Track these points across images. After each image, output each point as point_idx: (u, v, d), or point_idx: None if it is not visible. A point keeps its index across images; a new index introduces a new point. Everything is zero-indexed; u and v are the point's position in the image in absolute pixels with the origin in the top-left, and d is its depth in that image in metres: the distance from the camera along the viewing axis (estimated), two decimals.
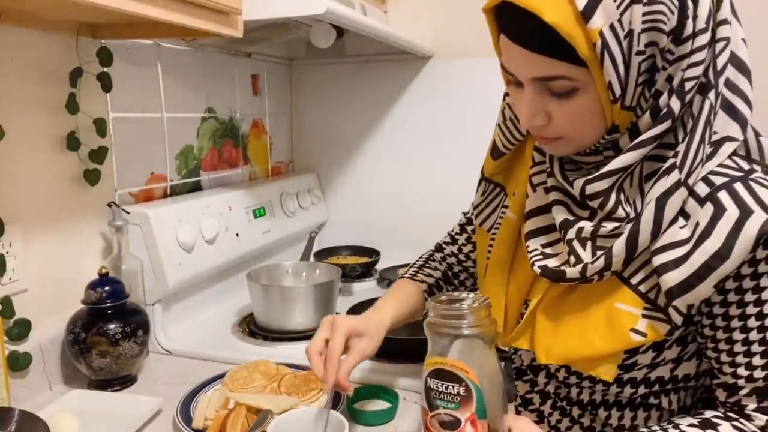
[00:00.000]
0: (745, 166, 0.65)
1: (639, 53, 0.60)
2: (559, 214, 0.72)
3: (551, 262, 0.72)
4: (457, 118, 1.74)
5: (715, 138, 0.65)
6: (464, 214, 1.02)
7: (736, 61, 0.65)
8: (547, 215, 0.75)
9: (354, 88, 1.84)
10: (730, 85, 0.66)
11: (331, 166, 1.91)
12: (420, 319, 0.98)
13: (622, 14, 0.58)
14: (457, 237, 1.03)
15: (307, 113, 1.91)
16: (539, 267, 0.72)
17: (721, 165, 0.65)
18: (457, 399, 0.66)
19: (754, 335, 0.64)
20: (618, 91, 0.62)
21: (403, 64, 1.76)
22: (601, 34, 0.58)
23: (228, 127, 1.57)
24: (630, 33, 0.59)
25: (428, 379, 0.68)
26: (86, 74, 1.06)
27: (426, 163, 1.80)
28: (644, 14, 0.58)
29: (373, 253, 1.75)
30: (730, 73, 0.65)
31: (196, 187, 1.45)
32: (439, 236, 1.08)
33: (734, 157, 0.66)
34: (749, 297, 0.63)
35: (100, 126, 1.10)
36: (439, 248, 1.05)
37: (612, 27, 0.58)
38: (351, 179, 1.90)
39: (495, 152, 0.85)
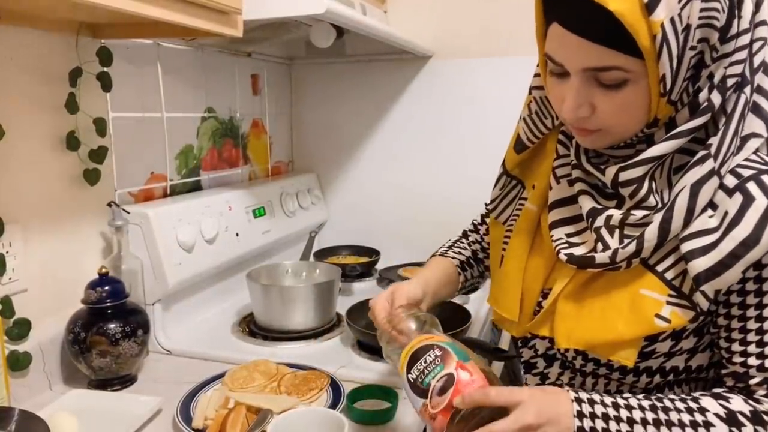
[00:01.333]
0: None
1: (692, 48, 0.62)
2: (586, 203, 0.73)
3: (577, 250, 0.73)
4: (457, 118, 1.74)
5: (742, 134, 0.67)
6: (486, 204, 1.04)
7: (765, 67, 0.67)
8: (571, 206, 0.76)
9: (354, 88, 1.84)
10: (757, 87, 0.67)
11: (331, 166, 1.91)
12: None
13: (682, 8, 0.59)
14: (479, 226, 1.05)
15: (307, 113, 1.91)
16: (565, 254, 0.73)
17: (747, 159, 0.66)
18: (438, 360, 0.68)
19: (767, 325, 0.65)
20: (669, 85, 0.63)
21: (403, 64, 1.76)
22: (662, 26, 0.59)
23: (228, 127, 1.58)
24: (687, 28, 0.60)
25: (408, 375, 0.70)
26: (86, 74, 1.06)
27: (426, 163, 1.80)
28: (701, 10, 0.60)
29: (373, 253, 1.75)
30: (760, 76, 0.67)
31: (196, 187, 1.45)
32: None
33: (759, 153, 0.68)
34: (767, 287, 0.65)
35: (100, 126, 1.10)
36: (465, 235, 1.07)
37: (672, 20, 0.59)
38: (351, 179, 1.90)
39: (518, 145, 0.85)
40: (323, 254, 1.76)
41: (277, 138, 1.84)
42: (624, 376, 0.74)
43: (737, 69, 0.63)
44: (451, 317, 1.24)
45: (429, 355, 0.68)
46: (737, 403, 0.66)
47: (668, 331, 0.69)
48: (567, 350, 0.76)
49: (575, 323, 0.73)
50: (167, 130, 1.33)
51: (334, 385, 0.99)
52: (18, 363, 0.95)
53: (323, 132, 1.90)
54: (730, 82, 0.64)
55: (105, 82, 1.10)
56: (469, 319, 1.21)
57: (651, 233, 0.66)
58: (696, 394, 0.68)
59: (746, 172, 0.65)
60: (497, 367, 1.33)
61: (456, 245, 1.06)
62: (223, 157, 1.56)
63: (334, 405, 0.93)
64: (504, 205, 0.90)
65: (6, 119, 0.93)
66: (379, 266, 1.72)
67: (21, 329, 0.96)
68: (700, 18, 0.60)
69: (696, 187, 0.65)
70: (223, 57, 1.55)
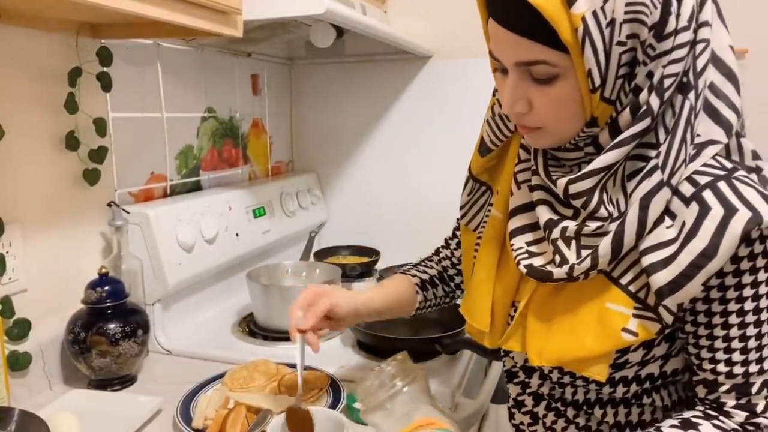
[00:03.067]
0: (728, 164, 0.65)
1: (620, 44, 0.61)
2: (543, 214, 0.72)
3: (537, 261, 0.72)
4: (457, 118, 1.74)
5: (698, 140, 0.66)
6: (458, 219, 1.03)
7: (724, 70, 0.66)
8: (531, 213, 0.75)
9: (354, 88, 1.84)
10: (715, 90, 0.66)
11: (331, 166, 1.91)
12: (410, 316, 1.00)
13: (605, 2, 0.59)
14: (449, 242, 1.04)
15: (307, 113, 1.91)
16: (525, 266, 0.72)
17: (704, 165, 0.65)
18: None
19: (734, 332, 0.65)
20: (597, 81, 0.62)
21: (402, 64, 1.76)
22: (583, 19, 0.58)
23: (228, 127, 1.58)
24: (612, 22, 0.59)
25: None
26: (86, 74, 1.06)
27: (426, 163, 1.80)
28: (627, 5, 0.59)
29: (373, 253, 1.75)
30: (717, 79, 0.66)
31: (196, 187, 1.45)
32: (438, 236, 1.08)
33: (717, 157, 0.66)
34: (731, 294, 0.64)
35: (100, 126, 1.10)
36: (436, 252, 1.06)
37: (594, 14, 0.59)
38: (351, 179, 1.90)
39: (482, 148, 0.85)
40: (323, 254, 1.76)
41: (277, 138, 1.84)
42: (600, 387, 0.73)
43: (676, 68, 0.62)
44: (451, 318, 1.24)
45: None
46: (707, 430, 0.65)
47: (637, 343, 0.68)
48: (542, 365, 0.75)
49: (545, 340, 0.72)
50: (167, 130, 1.33)
51: (334, 385, 0.99)
52: (18, 363, 0.95)
53: (323, 132, 1.90)
54: (668, 82, 0.62)
55: (105, 82, 1.10)
56: None
57: (604, 248, 0.65)
58: (666, 429, 0.66)
59: (702, 180, 0.64)
60: (497, 367, 1.33)
61: (423, 263, 1.04)
62: (223, 157, 1.56)
63: (334, 405, 0.93)
64: (474, 211, 0.88)
65: (6, 119, 0.93)
66: (379, 266, 1.72)
67: (21, 329, 0.96)
68: (626, 12, 0.59)
69: (645, 200, 0.63)
70: (223, 57, 1.55)
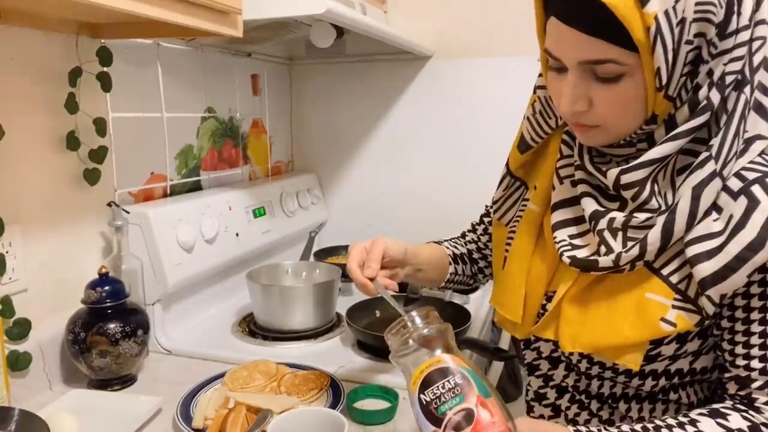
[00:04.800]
0: None
1: (688, 42, 0.61)
2: (588, 206, 0.72)
3: (581, 253, 0.73)
4: (457, 118, 1.74)
5: (746, 136, 0.66)
6: (487, 206, 1.04)
7: (766, 64, 0.67)
8: (574, 207, 0.76)
9: (354, 88, 1.84)
10: (761, 87, 0.67)
11: (331, 166, 1.91)
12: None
13: (677, 1, 0.60)
14: (476, 227, 1.05)
15: (307, 113, 1.91)
16: (569, 257, 0.73)
17: (751, 162, 0.66)
18: (458, 390, 0.64)
19: None
20: (664, 79, 0.62)
21: (403, 64, 1.77)
22: (656, 18, 0.59)
23: (228, 127, 1.58)
24: (682, 21, 0.60)
25: (421, 396, 0.65)
26: (86, 74, 1.06)
27: (425, 163, 1.80)
28: (696, 4, 0.60)
29: None
30: (762, 74, 0.67)
31: (196, 187, 1.45)
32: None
33: (764, 155, 0.67)
34: None
35: (100, 126, 1.10)
36: (462, 235, 1.08)
37: (666, 13, 0.59)
38: (351, 179, 1.90)
39: (522, 145, 0.85)
40: (323, 254, 1.76)
41: (277, 138, 1.84)
42: (629, 380, 0.74)
43: (736, 66, 0.63)
44: (451, 317, 1.24)
45: (448, 381, 0.64)
46: (735, 420, 0.65)
47: (673, 335, 0.69)
48: (572, 353, 0.76)
49: (581, 327, 0.73)
50: (167, 130, 1.33)
51: (334, 385, 0.99)
52: (18, 363, 0.95)
53: (323, 132, 1.90)
54: (729, 79, 0.63)
55: (105, 82, 1.10)
56: (469, 319, 1.21)
57: (654, 236, 0.66)
58: (694, 415, 0.67)
59: (751, 175, 0.64)
60: (497, 367, 1.33)
61: (452, 240, 1.06)
62: (223, 157, 1.56)
63: (334, 405, 0.93)
64: (507, 206, 0.89)
65: (6, 119, 0.93)
66: None
67: (21, 329, 0.96)
68: (695, 12, 0.60)
69: (697, 190, 0.64)
70: (223, 57, 1.55)
